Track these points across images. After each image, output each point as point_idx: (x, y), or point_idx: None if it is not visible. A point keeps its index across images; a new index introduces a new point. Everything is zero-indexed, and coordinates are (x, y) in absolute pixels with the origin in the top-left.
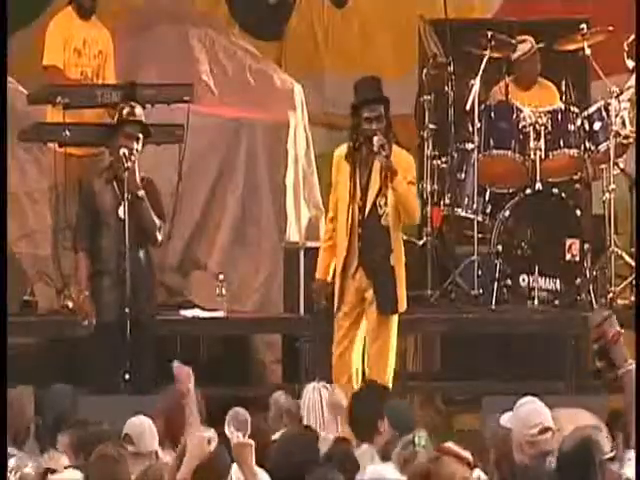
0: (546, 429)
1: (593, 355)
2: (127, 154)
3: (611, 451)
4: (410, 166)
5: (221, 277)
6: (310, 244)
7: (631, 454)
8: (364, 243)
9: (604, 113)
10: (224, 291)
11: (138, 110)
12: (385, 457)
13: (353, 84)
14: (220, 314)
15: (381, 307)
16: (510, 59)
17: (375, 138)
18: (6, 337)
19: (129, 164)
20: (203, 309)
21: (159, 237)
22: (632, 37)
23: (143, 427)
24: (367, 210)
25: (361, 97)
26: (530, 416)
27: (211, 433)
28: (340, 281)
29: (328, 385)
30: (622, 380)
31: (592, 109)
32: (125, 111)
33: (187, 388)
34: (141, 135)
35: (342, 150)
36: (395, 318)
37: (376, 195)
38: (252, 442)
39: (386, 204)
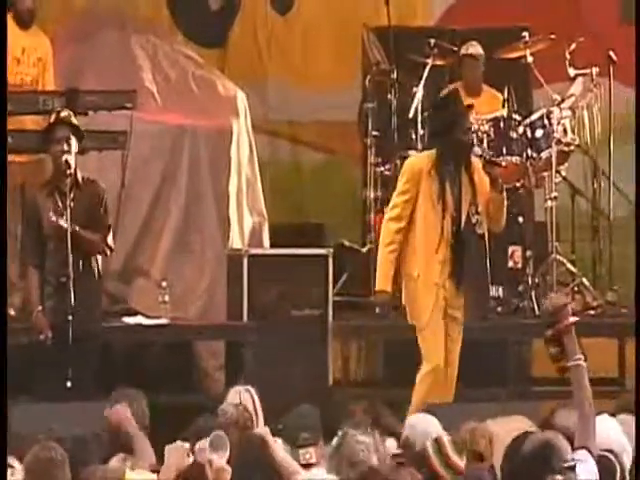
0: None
1: (546, 341)
2: (69, 160)
3: (572, 460)
4: None
5: (164, 284)
6: (253, 251)
7: (581, 454)
8: (458, 253)
9: (546, 121)
10: (167, 298)
11: (65, 113)
12: None
13: (438, 100)
14: (163, 321)
15: (475, 314)
16: (454, 66)
17: (477, 149)
18: (6, 339)
19: (71, 170)
20: (146, 316)
21: (107, 250)
22: (573, 45)
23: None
24: (463, 221)
25: (459, 108)
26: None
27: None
28: (427, 293)
29: (251, 388)
30: (571, 373)
31: (534, 117)
32: (55, 116)
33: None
34: (74, 137)
35: (421, 162)
36: None
37: (468, 205)
38: (229, 469)
39: (477, 212)
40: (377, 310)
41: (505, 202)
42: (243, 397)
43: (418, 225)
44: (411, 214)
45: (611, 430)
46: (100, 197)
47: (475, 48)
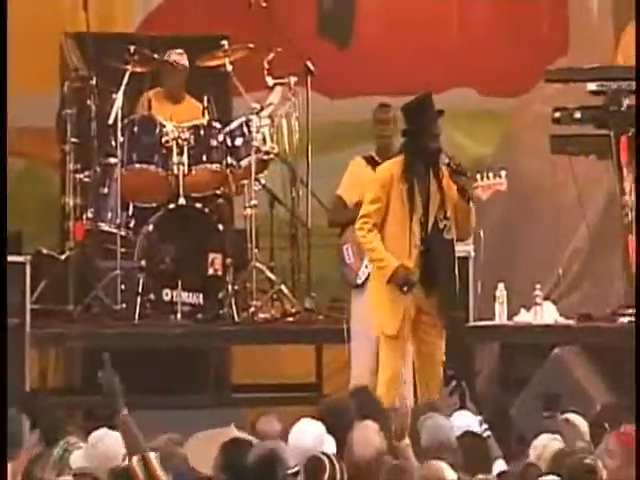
0: None
1: None
2: None
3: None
4: None
5: None
6: None
7: None
8: (427, 259)
9: (245, 129)
10: None
11: None
12: None
13: (404, 107)
14: None
15: (447, 320)
16: (154, 73)
17: (445, 157)
18: (6, 334)
19: None
20: None
21: None
22: (271, 55)
23: None
24: (430, 226)
25: (429, 114)
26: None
27: None
28: (394, 297)
29: None
30: None
31: (234, 125)
32: None
33: None
34: None
35: (390, 168)
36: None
37: (436, 210)
38: None
39: (446, 217)
40: (404, 289)
41: (473, 211)
42: None
43: (388, 232)
44: (382, 222)
45: (312, 432)
46: None
47: (178, 56)
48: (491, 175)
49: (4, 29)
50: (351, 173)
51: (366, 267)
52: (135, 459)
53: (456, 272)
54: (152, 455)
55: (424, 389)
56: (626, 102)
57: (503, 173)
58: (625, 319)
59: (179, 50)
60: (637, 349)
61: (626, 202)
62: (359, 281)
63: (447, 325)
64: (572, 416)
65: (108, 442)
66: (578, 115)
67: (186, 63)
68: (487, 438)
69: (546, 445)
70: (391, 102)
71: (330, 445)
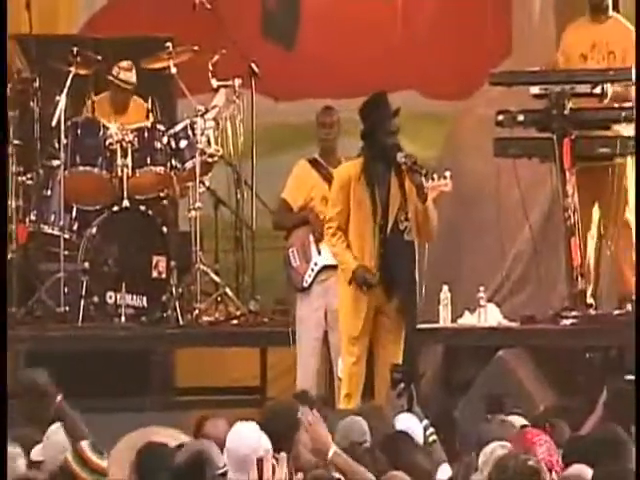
0: None
1: None
2: None
3: (224, 466)
4: None
5: None
6: None
7: None
8: (387, 260)
9: (190, 131)
10: None
11: None
12: None
13: (359, 109)
14: None
15: (407, 321)
16: (98, 75)
17: (402, 154)
18: (6, 338)
19: None
20: None
21: None
22: (216, 57)
23: None
24: (389, 227)
25: (383, 111)
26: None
27: None
28: (356, 299)
29: None
30: None
31: (178, 127)
32: None
33: None
34: None
35: (349, 169)
36: None
37: (397, 211)
38: None
39: (407, 219)
40: (364, 288)
41: (433, 212)
42: None
43: (351, 234)
44: (346, 224)
45: (246, 435)
46: None
47: (126, 73)
48: (435, 177)
49: (4, 29)
50: (295, 176)
51: (312, 270)
52: (69, 456)
53: (416, 275)
54: (83, 444)
55: (384, 383)
56: (569, 105)
57: (447, 174)
58: (568, 321)
59: (125, 64)
60: (637, 349)
61: (568, 204)
62: (305, 284)
63: (406, 328)
64: (513, 418)
65: (60, 434)
66: (521, 118)
67: (134, 79)
68: (433, 442)
69: (493, 451)
70: (336, 104)
71: (266, 444)
